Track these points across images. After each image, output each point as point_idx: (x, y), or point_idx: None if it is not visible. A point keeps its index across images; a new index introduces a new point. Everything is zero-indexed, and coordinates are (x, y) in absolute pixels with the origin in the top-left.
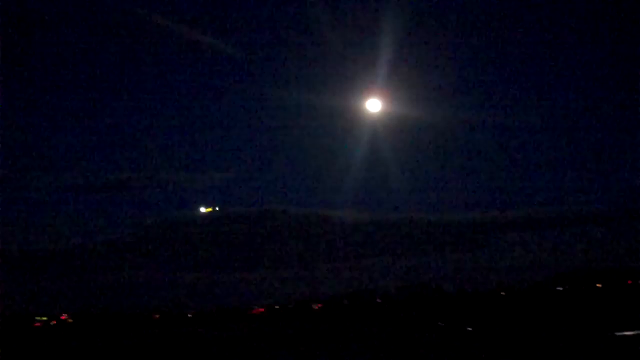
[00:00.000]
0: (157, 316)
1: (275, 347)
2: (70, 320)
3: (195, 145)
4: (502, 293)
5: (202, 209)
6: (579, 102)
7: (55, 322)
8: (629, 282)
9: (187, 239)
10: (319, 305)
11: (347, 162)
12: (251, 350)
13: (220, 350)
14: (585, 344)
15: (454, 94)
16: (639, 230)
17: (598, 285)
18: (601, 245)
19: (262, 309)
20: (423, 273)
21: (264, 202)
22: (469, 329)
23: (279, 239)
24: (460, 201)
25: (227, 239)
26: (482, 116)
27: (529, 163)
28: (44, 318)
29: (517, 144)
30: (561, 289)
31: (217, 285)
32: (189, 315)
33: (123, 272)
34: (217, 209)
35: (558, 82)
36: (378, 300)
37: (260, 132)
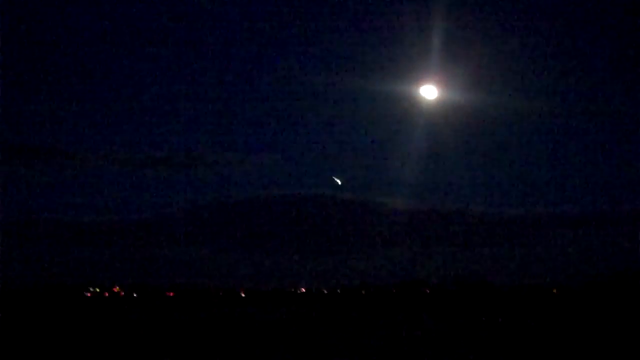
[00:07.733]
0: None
1: (320, 331)
2: (122, 293)
3: (247, 127)
4: (554, 290)
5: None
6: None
7: (107, 294)
8: None
9: (235, 219)
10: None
11: (400, 149)
12: (299, 332)
13: (267, 331)
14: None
15: (515, 83)
16: None
17: None
18: None
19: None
20: (474, 265)
21: (313, 186)
22: (530, 323)
23: (328, 224)
24: (516, 194)
25: (275, 222)
26: (546, 107)
27: (590, 158)
28: (97, 289)
29: (582, 138)
30: (616, 289)
31: (265, 267)
32: (242, 295)
33: (173, 248)
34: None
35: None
36: (426, 290)
37: (313, 116)
